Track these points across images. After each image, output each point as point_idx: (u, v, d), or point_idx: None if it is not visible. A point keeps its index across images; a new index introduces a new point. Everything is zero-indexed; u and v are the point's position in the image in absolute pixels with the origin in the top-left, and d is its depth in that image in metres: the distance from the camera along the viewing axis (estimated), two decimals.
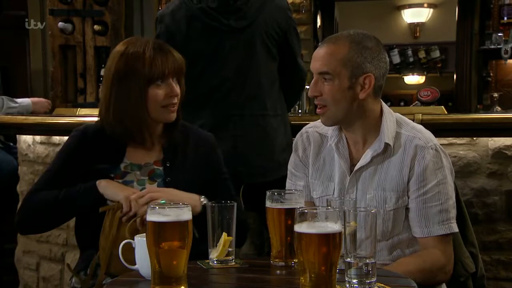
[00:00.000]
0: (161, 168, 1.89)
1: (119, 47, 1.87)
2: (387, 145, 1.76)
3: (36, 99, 3.83)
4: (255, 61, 2.37)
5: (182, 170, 1.89)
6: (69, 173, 1.86)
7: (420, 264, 1.70)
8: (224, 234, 1.55)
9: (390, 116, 1.81)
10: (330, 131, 1.85)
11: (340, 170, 1.83)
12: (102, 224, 1.78)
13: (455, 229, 1.75)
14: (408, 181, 1.75)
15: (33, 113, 3.66)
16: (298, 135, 1.95)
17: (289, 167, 1.96)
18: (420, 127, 1.83)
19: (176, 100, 1.86)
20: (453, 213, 1.76)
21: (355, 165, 1.80)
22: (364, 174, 1.79)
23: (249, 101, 2.37)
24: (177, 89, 1.85)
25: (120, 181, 1.84)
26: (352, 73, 1.71)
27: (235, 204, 1.60)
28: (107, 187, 1.79)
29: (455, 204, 1.78)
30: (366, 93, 1.73)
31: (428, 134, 1.80)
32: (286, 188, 1.94)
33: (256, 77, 2.37)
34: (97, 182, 1.80)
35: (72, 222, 3.04)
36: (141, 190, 1.83)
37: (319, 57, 1.74)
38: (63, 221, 1.95)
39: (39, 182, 1.91)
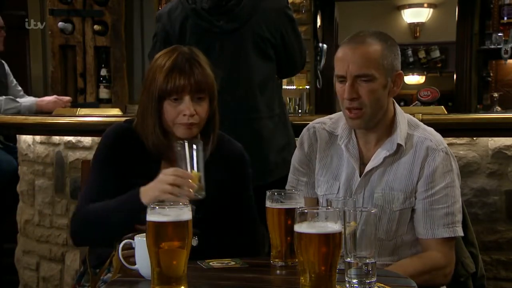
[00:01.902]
0: None
1: (157, 55, 1.82)
2: (399, 145, 1.76)
3: (43, 98, 3.81)
4: (246, 63, 2.35)
5: (214, 184, 1.83)
6: (110, 179, 1.79)
7: (419, 266, 1.69)
8: (193, 171, 1.59)
9: (402, 117, 1.81)
10: (339, 130, 1.84)
11: (348, 170, 1.82)
12: None
13: (460, 233, 1.75)
14: (417, 182, 1.75)
15: (38, 112, 3.65)
16: (304, 130, 1.93)
17: (293, 161, 1.94)
18: (431, 129, 1.83)
19: (194, 120, 1.74)
20: (459, 217, 1.75)
21: (365, 164, 1.80)
22: (374, 175, 1.79)
23: (242, 104, 2.35)
24: (196, 108, 1.74)
25: None
26: (387, 72, 1.71)
27: (201, 142, 1.65)
28: (146, 199, 1.68)
29: (461, 208, 1.78)
30: (398, 90, 1.75)
31: (439, 136, 1.80)
32: (288, 183, 1.94)
33: (248, 79, 2.35)
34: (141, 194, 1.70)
35: None
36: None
37: (354, 60, 1.69)
38: (115, 234, 1.69)
39: (85, 194, 1.82)
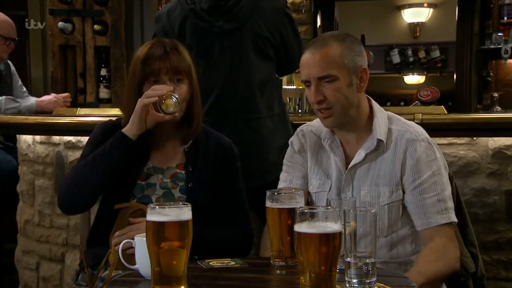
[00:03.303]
0: (183, 171, 1.89)
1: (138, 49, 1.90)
2: (379, 141, 1.78)
3: (43, 98, 3.82)
4: (246, 63, 2.35)
5: (203, 175, 1.89)
6: None
7: (429, 255, 1.69)
8: None
9: (381, 113, 1.84)
10: (323, 132, 1.88)
11: (337, 169, 1.85)
12: (115, 222, 1.80)
13: (454, 219, 1.76)
14: (402, 175, 1.77)
15: (39, 112, 3.66)
16: (294, 135, 1.98)
17: (285, 161, 1.98)
18: (411, 122, 1.87)
19: None
20: (450, 204, 1.77)
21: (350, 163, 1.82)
22: (359, 171, 1.81)
23: (242, 104, 2.35)
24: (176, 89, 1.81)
25: (143, 182, 1.85)
26: (350, 70, 1.74)
27: None
28: (129, 130, 1.79)
29: (451, 195, 1.79)
30: (365, 85, 1.78)
31: (419, 128, 1.83)
32: (280, 181, 1.95)
33: (247, 79, 2.35)
34: (123, 130, 1.79)
35: (72, 222, 3.07)
36: (163, 194, 1.84)
37: (314, 63, 1.74)
38: (99, 186, 1.81)
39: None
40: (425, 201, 1.74)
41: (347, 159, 1.84)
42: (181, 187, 1.87)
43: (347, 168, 1.83)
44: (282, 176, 1.97)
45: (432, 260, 1.66)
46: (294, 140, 1.97)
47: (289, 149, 1.98)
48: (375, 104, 1.85)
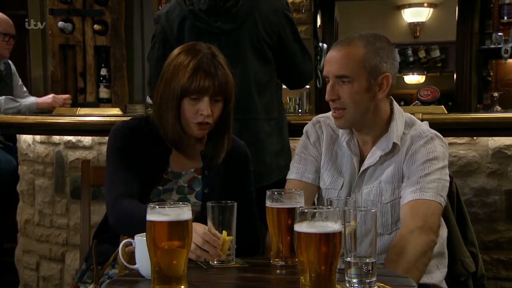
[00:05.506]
0: (200, 176, 1.87)
1: (176, 50, 1.84)
2: (395, 144, 1.76)
3: (43, 98, 3.82)
4: (244, 64, 2.33)
5: (218, 179, 1.88)
6: (128, 169, 1.79)
7: (392, 254, 1.61)
8: (224, 233, 1.53)
9: (401, 116, 1.81)
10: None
11: (351, 167, 1.83)
12: None
13: (430, 197, 1.67)
14: (403, 170, 1.75)
15: (39, 110, 3.66)
16: (309, 124, 1.93)
17: (297, 151, 1.93)
18: (425, 122, 1.85)
19: (209, 120, 1.78)
20: (433, 185, 1.68)
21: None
22: (369, 172, 1.80)
23: (238, 104, 2.35)
24: (212, 109, 1.77)
25: (160, 188, 1.83)
26: (370, 74, 1.70)
27: (235, 204, 1.59)
28: None
29: (439, 182, 1.71)
30: (384, 93, 1.74)
31: (425, 126, 1.81)
32: (291, 171, 1.92)
33: (245, 80, 2.33)
34: None
35: (72, 222, 3.07)
36: (178, 199, 1.83)
37: (335, 61, 1.71)
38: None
39: (115, 186, 1.79)
40: (407, 183, 1.72)
41: (363, 157, 1.82)
42: (197, 192, 1.85)
43: (360, 168, 1.81)
44: (293, 167, 1.92)
45: (394, 260, 1.58)
46: (310, 130, 1.92)
47: (303, 139, 1.93)
48: (396, 106, 1.81)
